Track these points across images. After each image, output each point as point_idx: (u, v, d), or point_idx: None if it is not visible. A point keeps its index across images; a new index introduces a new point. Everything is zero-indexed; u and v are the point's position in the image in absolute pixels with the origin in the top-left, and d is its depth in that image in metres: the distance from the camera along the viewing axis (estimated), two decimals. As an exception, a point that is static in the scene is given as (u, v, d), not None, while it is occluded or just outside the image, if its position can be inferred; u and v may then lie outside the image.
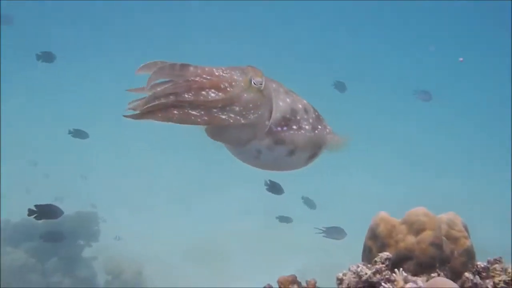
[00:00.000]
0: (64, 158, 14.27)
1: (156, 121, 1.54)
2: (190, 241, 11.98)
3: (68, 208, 10.77)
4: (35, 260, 8.64)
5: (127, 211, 12.91)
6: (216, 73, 1.66)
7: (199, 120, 1.56)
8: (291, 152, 1.79)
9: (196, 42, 26.35)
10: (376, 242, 1.88)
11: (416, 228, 1.80)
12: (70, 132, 8.85)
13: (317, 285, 1.87)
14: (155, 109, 1.51)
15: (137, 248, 10.51)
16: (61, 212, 6.47)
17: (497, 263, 1.89)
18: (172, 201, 14.45)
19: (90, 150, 17.36)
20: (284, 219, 9.52)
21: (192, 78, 1.60)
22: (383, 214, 1.92)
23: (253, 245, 12.28)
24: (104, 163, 16.16)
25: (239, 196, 14.76)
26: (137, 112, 1.54)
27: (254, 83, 1.66)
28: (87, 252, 9.30)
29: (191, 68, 1.63)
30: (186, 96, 1.55)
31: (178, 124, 1.55)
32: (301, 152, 1.82)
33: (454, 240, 1.88)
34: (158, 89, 1.58)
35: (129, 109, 1.56)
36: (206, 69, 1.65)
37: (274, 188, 6.07)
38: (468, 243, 1.91)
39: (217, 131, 1.69)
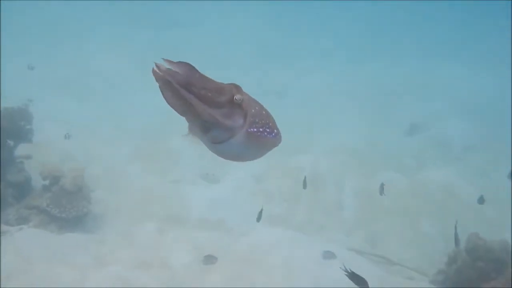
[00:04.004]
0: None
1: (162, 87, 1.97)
2: (135, 137, 11.03)
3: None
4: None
5: (64, 105, 11.54)
6: (214, 81, 2.19)
7: (198, 107, 2.09)
8: (256, 148, 2.30)
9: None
10: None
11: None
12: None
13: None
14: (172, 79, 2.04)
15: (76, 149, 9.44)
16: None
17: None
18: (111, 90, 13.15)
19: (21, 37, 15.43)
20: None
21: (198, 76, 2.14)
22: None
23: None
24: (37, 52, 14.32)
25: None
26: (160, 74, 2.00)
27: (236, 98, 2.21)
28: (18, 154, 8.21)
29: (198, 73, 2.15)
30: (193, 88, 2.11)
31: (175, 104, 2.03)
32: (262, 148, 2.32)
33: None
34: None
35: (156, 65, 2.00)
36: (206, 76, 2.19)
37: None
38: None
39: (203, 132, 2.22)
